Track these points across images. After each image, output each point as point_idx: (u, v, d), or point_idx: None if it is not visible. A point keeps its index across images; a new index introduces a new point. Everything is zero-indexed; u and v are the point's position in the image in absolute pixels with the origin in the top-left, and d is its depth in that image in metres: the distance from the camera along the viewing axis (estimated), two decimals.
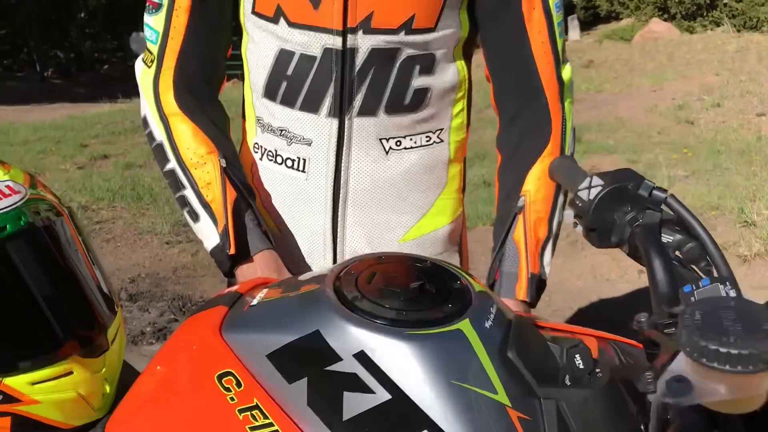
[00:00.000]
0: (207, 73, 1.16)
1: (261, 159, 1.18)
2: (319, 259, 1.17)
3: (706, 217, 4.54)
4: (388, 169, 1.12)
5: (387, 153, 1.10)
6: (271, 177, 1.18)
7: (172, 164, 1.11)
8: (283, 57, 1.07)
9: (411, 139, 1.11)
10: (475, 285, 0.74)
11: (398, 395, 0.63)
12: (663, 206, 0.79)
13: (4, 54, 32.71)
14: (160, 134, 1.12)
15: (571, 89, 1.12)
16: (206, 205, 1.08)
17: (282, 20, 1.05)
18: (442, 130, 1.14)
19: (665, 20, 16.34)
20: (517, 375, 0.67)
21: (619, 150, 6.99)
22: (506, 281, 1.09)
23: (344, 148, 1.09)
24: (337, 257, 1.16)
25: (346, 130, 1.08)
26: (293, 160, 1.13)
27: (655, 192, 0.79)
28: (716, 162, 6.22)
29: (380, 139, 1.09)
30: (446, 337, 0.66)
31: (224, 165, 1.09)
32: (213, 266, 1.19)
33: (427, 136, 1.13)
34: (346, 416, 0.64)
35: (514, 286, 1.08)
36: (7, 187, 0.94)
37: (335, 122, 1.08)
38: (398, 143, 1.11)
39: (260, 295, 0.80)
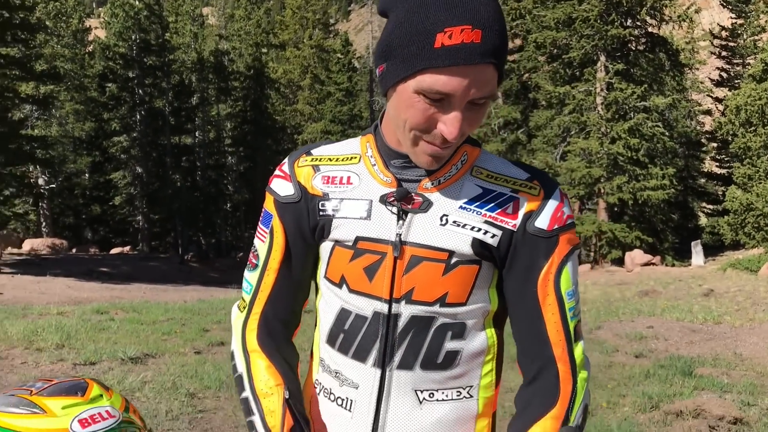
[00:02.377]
0: (285, 320, 1.41)
1: (319, 393, 1.39)
2: None
3: None
4: (421, 417, 1.27)
5: (421, 403, 1.27)
6: (325, 411, 1.37)
7: (247, 393, 1.34)
8: (343, 314, 1.31)
9: (443, 393, 1.28)
10: None
11: None
12: None
13: (154, 236, 36.16)
14: (241, 367, 1.37)
15: (586, 366, 1.27)
16: (268, 431, 1.28)
17: (344, 286, 1.30)
18: (471, 387, 1.30)
19: None
20: None
21: (735, 389, 6.61)
22: None
23: (384, 395, 1.27)
24: None
25: (386, 380, 1.27)
26: (342, 400, 1.32)
27: None
28: None
29: (415, 390, 1.27)
30: None
31: (287, 396, 1.30)
32: None
33: (457, 391, 1.29)
34: None
35: None
36: (107, 411, 1.20)
37: (378, 372, 1.27)
38: (431, 395, 1.27)
39: None
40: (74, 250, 28.92)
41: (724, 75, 41.66)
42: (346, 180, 1.31)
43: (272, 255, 1.37)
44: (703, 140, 40.23)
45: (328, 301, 1.35)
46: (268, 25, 42.98)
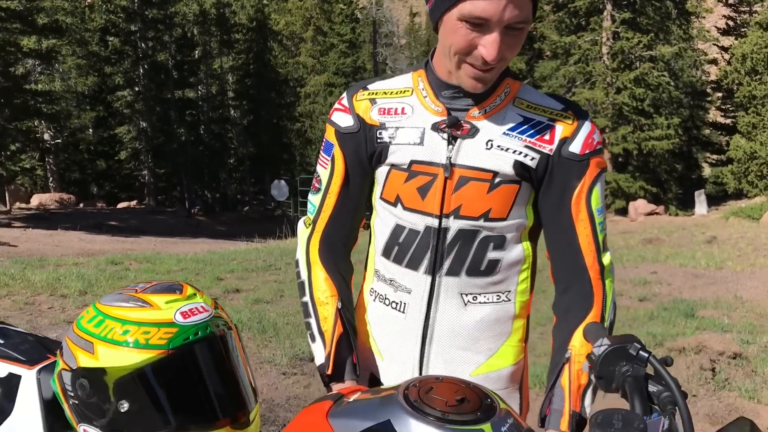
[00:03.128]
0: (344, 237, 1.62)
1: (374, 300, 1.58)
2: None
3: None
4: (465, 317, 1.47)
5: (466, 305, 1.46)
6: (381, 315, 1.56)
7: (307, 299, 1.58)
8: (398, 229, 1.49)
9: (485, 296, 1.47)
10: (500, 403, 1.06)
11: None
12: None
13: (160, 190, 36.35)
14: (304, 275, 1.60)
15: (612, 271, 1.46)
16: (321, 334, 1.53)
17: (399, 205, 1.47)
18: (509, 291, 1.49)
19: None
20: None
21: (735, 329, 6.83)
22: (553, 416, 1.39)
23: (434, 298, 1.46)
24: None
25: (436, 285, 1.45)
26: (397, 303, 1.51)
27: (640, 352, 1.09)
28: None
29: (461, 294, 1.46)
30: None
31: (340, 307, 1.54)
32: None
33: (497, 295, 1.48)
34: None
35: (559, 420, 1.37)
36: (202, 306, 1.40)
37: (429, 278, 1.46)
38: (475, 298, 1.46)
39: (355, 396, 1.16)
40: (81, 205, 29.11)
41: (731, 23, 41.04)
42: (400, 111, 1.47)
43: (333, 180, 1.56)
44: (708, 90, 39.91)
45: (384, 219, 1.53)
46: None
